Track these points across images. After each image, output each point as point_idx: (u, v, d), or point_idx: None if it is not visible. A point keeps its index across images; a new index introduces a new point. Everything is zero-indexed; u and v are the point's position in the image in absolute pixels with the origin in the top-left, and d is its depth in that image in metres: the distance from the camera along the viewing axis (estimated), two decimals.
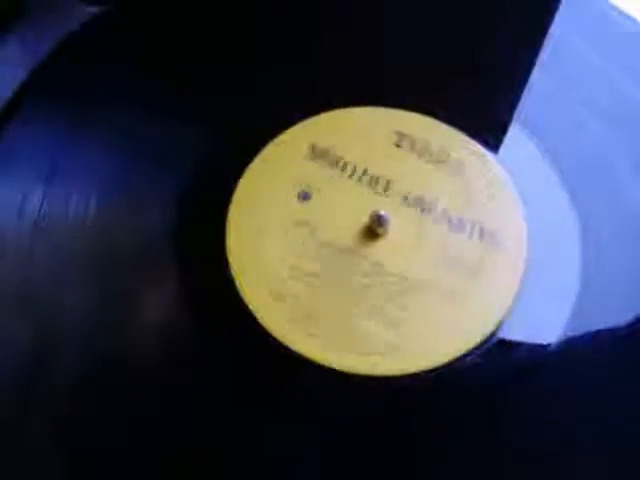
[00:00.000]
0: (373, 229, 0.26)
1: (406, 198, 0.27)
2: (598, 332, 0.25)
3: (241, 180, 0.28)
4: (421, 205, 0.27)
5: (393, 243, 0.26)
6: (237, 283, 0.26)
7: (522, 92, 0.30)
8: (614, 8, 0.32)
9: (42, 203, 0.26)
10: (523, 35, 0.32)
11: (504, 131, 0.29)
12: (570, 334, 0.25)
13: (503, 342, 0.25)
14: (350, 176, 0.28)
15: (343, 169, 0.28)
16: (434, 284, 0.26)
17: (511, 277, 0.26)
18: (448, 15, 0.32)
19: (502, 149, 0.29)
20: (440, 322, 0.25)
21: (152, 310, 0.26)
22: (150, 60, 0.31)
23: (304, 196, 0.27)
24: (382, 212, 0.26)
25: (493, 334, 0.25)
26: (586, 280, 0.26)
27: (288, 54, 0.31)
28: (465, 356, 0.24)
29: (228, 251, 0.26)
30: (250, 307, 0.25)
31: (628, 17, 0.32)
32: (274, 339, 0.25)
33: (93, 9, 0.33)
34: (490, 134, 0.29)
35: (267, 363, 0.25)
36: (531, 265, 0.26)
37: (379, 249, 0.26)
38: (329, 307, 0.25)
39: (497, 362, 0.25)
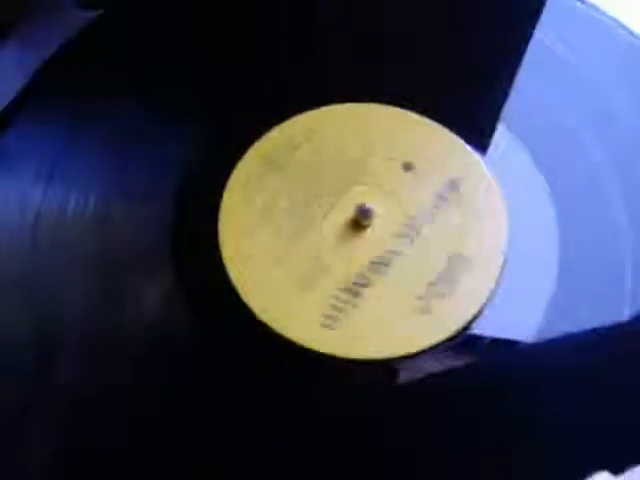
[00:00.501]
0: (359, 221, 0.28)
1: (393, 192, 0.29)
2: (570, 333, 0.26)
3: (234, 172, 0.29)
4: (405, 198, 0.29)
5: (378, 234, 0.28)
6: (230, 274, 0.27)
7: (507, 93, 0.31)
8: (602, 12, 0.33)
9: (43, 200, 0.28)
10: (507, 37, 0.33)
11: (490, 131, 0.30)
12: (542, 334, 0.26)
13: (474, 336, 0.26)
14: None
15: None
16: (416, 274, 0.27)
17: (487, 275, 0.27)
18: (433, 15, 0.33)
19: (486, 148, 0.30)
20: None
21: (149, 302, 0.27)
22: (145, 62, 0.32)
23: None
24: (367, 205, 0.27)
25: (466, 328, 0.26)
26: (562, 280, 0.27)
27: (278, 53, 0.32)
28: (437, 346, 0.26)
29: (221, 243, 0.27)
30: (242, 295, 0.26)
31: (616, 20, 0.33)
32: (270, 329, 0.26)
33: (91, 14, 0.34)
34: (476, 133, 0.30)
35: (264, 352, 0.26)
36: (508, 262, 0.27)
37: (363, 241, 0.28)
38: (319, 296, 0.27)
39: (467, 356, 0.26)
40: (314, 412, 0.25)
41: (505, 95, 0.31)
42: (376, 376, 0.26)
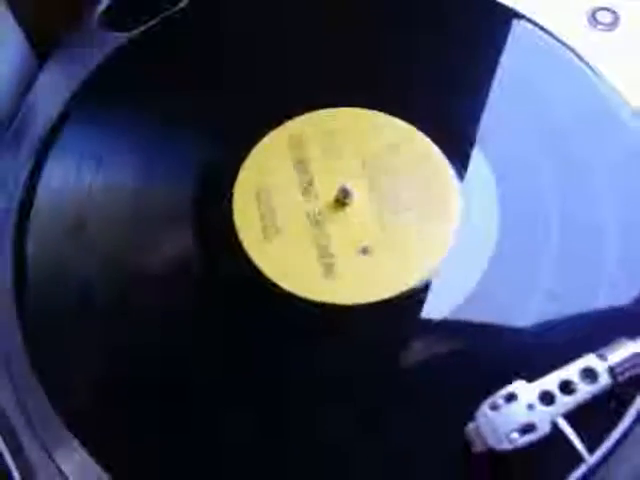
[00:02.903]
0: (340, 199, 0.34)
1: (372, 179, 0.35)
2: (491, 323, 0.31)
3: (250, 154, 0.35)
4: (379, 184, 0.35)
5: (356, 209, 0.34)
6: (240, 236, 0.33)
7: (481, 111, 0.35)
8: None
9: (94, 175, 0.35)
10: (478, 59, 0.37)
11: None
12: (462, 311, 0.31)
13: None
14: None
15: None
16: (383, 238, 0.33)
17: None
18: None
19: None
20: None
21: (170, 255, 0.34)
22: (176, 70, 0.38)
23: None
24: (347, 186, 0.33)
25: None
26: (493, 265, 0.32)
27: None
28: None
29: (234, 206, 0.34)
30: (250, 255, 0.33)
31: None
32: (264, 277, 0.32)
33: (124, 35, 0.41)
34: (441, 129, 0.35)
35: (262, 302, 0.32)
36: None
37: (343, 216, 0.34)
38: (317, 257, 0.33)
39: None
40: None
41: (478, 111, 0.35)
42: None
